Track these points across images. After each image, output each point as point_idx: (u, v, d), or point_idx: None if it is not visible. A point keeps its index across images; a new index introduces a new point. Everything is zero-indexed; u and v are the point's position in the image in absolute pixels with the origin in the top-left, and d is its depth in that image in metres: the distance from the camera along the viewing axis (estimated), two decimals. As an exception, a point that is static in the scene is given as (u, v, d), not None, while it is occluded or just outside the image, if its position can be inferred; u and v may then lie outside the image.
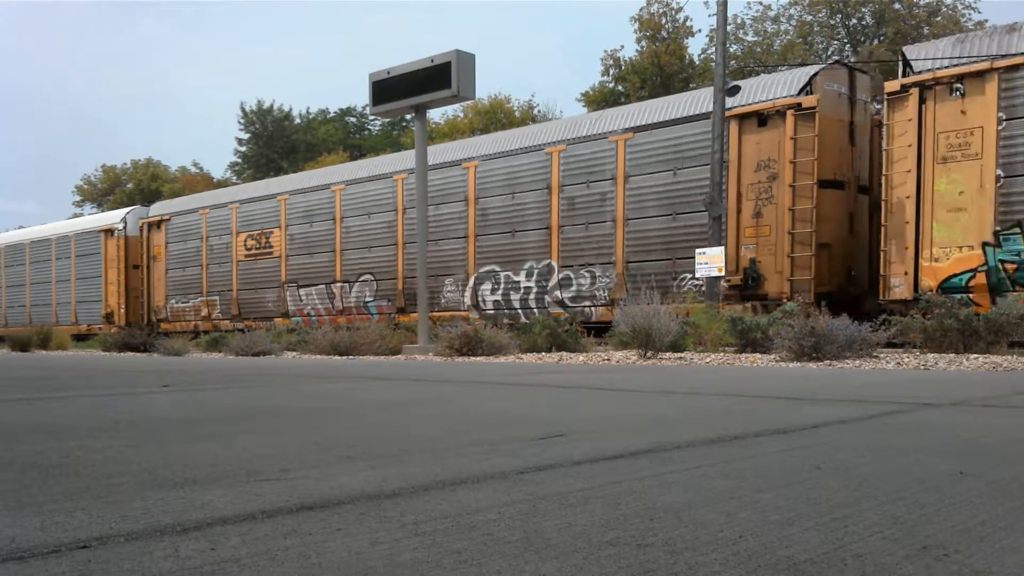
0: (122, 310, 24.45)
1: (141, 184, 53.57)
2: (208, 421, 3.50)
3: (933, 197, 11.51)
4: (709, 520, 1.63)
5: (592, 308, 14.62)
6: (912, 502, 1.78)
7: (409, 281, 17.16)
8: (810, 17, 35.51)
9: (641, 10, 35.78)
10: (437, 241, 16.73)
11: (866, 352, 8.72)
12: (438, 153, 17.14)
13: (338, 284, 18.99)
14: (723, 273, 12.82)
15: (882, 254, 12.16)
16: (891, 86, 12.02)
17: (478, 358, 10.89)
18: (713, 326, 10.83)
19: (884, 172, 12.08)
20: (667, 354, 9.89)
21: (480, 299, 16.46)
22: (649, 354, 9.78)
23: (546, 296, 15.40)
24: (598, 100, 36.01)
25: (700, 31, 36.57)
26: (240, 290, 21.43)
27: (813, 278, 12.55)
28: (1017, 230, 10.87)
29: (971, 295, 11.09)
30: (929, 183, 11.49)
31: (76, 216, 46.76)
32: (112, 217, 26.10)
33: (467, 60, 12.86)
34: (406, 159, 18.07)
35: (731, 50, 33.80)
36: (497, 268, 16.19)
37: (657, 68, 35.01)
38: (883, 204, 12.11)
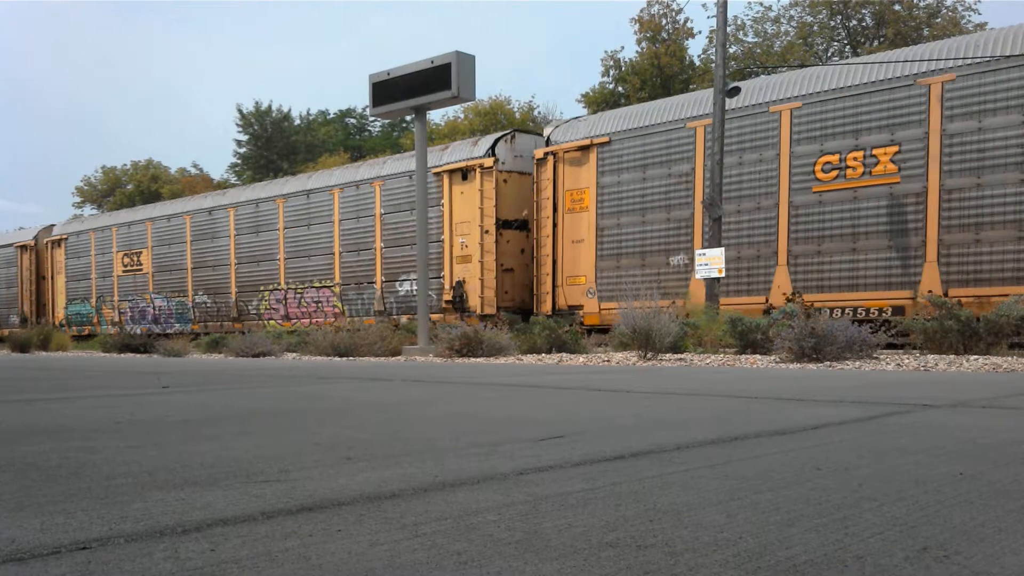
0: None
1: (141, 185, 53.57)
2: (208, 422, 3.50)
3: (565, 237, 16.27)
4: (709, 521, 1.63)
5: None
6: (912, 503, 1.78)
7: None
8: (810, 18, 35.53)
9: (641, 11, 35.80)
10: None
11: (866, 353, 8.73)
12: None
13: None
14: (723, 275, 12.83)
15: (534, 280, 16.57)
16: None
17: (478, 359, 10.90)
18: (713, 327, 10.83)
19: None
20: (667, 355, 9.89)
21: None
22: (649, 355, 9.79)
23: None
24: (598, 101, 36.02)
25: (700, 32, 36.65)
26: None
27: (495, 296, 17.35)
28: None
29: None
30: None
31: (76, 217, 46.70)
32: None
33: (467, 61, 12.87)
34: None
35: (731, 51, 33.81)
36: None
37: (657, 69, 35.02)
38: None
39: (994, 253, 11.32)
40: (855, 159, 12.59)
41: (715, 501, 1.81)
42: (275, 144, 52.02)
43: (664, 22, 35.61)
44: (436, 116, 41.12)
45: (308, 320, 19.90)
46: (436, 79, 12.96)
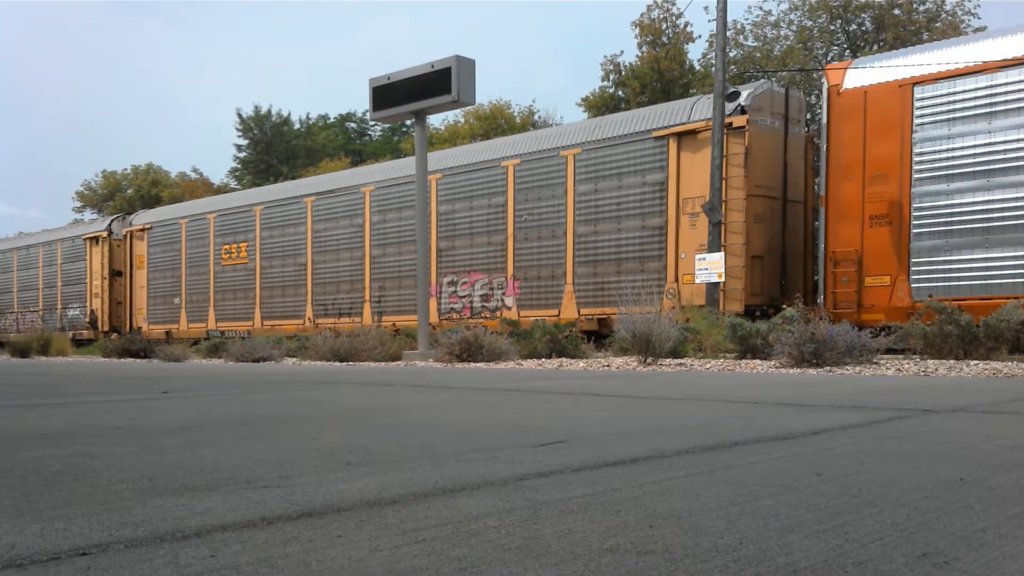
0: None
1: (141, 190, 53.59)
2: (208, 427, 3.50)
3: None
4: (709, 527, 1.63)
5: None
6: (912, 509, 1.78)
7: None
8: (810, 23, 35.58)
9: (642, 15, 35.87)
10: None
11: (866, 358, 8.72)
12: None
13: None
14: (723, 279, 12.82)
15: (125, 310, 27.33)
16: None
17: (478, 364, 10.89)
18: (713, 332, 10.83)
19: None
20: (667, 360, 9.89)
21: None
22: (649, 360, 9.78)
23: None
24: (598, 105, 36.06)
25: (700, 36, 36.57)
26: None
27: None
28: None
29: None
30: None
31: (76, 222, 46.77)
32: None
33: (467, 66, 12.88)
34: None
35: (731, 55, 33.84)
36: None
37: (657, 73, 35.07)
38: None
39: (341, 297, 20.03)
40: (237, 248, 22.77)
41: (715, 507, 1.81)
42: (275, 149, 52.06)
43: (664, 26, 35.68)
44: (437, 120, 41.19)
45: (28, 332, 28.45)
46: (436, 83, 12.97)
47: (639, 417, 3.79)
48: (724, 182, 13.46)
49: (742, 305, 13.30)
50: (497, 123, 38.94)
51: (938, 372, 7.49)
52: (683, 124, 14.21)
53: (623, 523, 1.66)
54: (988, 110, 11.14)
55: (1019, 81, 10.88)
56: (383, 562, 1.40)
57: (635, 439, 2.94)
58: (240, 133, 52.93)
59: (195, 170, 58.16)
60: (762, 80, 14.48)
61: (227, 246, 22.84)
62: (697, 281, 13.18)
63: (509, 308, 16.19)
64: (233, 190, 44.82)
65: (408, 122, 20.33)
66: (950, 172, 11.34)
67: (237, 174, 53.79)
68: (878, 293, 12.05)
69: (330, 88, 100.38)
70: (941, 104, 11.61)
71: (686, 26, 35.39)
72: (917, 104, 11.79)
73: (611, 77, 37.12)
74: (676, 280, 14.02)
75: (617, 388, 5.74)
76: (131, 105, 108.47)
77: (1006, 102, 10.92)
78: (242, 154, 53.43)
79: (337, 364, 11.97)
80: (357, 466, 2.37)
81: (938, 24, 32.69)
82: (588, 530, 1.61)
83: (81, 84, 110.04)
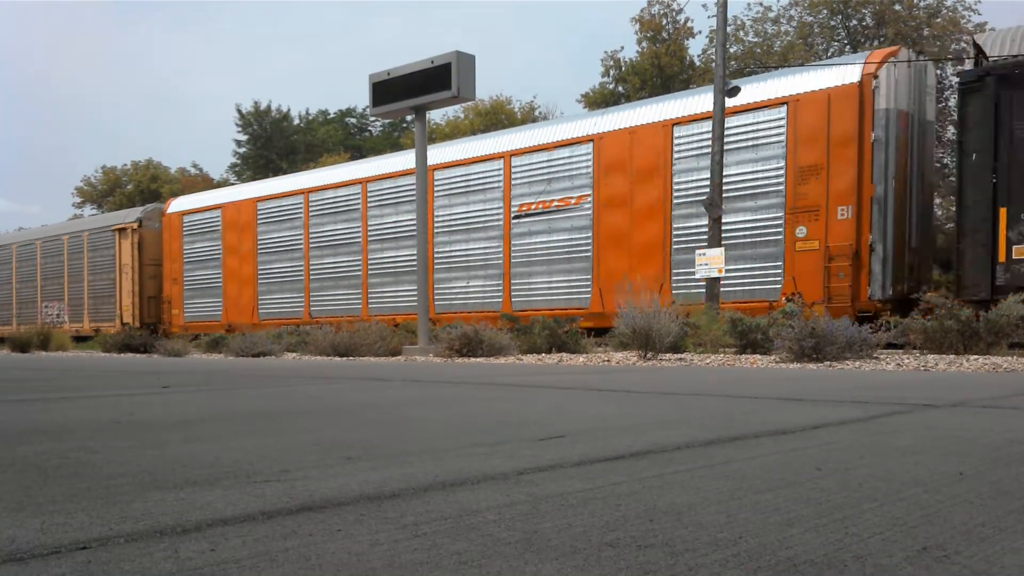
0: None
1: (141, 185, 53.55)
2: (208, 422, 3.50)
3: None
4: (709, 521, 1.63)
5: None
6: (912, 503, 1.78)
7: None
8: (810, 18, 35.50)
9: (642, 11, 35.82)
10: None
11: (866, 353, 8.73)
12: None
13: None
14: (723, 274, 12.84)
15: None
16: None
17: (478, 359, 10.90)
18: (713, 327, 10.83)
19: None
20: (667, 355, 9.89)
21: None
22: (649, 355, 9.79)
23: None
24: (598, 101, 36.02)
25: (700, 32, 36.55)
26: None
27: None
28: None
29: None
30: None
31: (76, 217, 46.81)
32: None
33: (467, 61, 12.86)
34: None
35: (731, 51, 33.78)
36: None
37: (657, 69, 35.04)
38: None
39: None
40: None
41: (715, 501, 1.81)
42: (275, 144, 51.98)
43: (664, 22, 35.64)
44: (437, 116, 41.14)
45: None
46: (436, 79, 12.94)
47: (639, 412, 3.79)
48: (132, 258, 25.40)
49: (139, 322, 24.25)
50: (498, 119, 38.89)
51: (938, 367, 7.49)
52: (121, 223, 25.80)
53: (623, 517, 1.66)
54: (289, 218, 21.79)
55: (278, 207, 22.15)
56: (383, 556, 1.40)
57: (635, 433, 2.94)
58: (239, 128, 52.86)
59: (195, 165, 58.01)
60: (153, 204, 28.88)
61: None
62: (697, 276, 13.20)
63: (67, 322, 28.05)
64: (232, 184, 44.78)
65: (409, 117, 20.47)
66: (270, 251, 22.24)
67: (236, 169, 53.73)
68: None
69: (331, 84, 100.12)
70: (273, 211, 22.21)
71: (686, 22, 35.36)
72: (260, 213, 22.51)
73: (611, 73, 37.08)
74: (120, 309, 25.70)
75: (616, 383, 5.75)
76: (132, 101, 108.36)
77: (282, 217, 22.09)
78: (242, 149, 53.37)
79: (337, 359, 11.98)
80: (357, 460, 2.37)
81: (939, 19, 32.61)
82: (588, 524, 1.61)
83: (82, 80, 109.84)
